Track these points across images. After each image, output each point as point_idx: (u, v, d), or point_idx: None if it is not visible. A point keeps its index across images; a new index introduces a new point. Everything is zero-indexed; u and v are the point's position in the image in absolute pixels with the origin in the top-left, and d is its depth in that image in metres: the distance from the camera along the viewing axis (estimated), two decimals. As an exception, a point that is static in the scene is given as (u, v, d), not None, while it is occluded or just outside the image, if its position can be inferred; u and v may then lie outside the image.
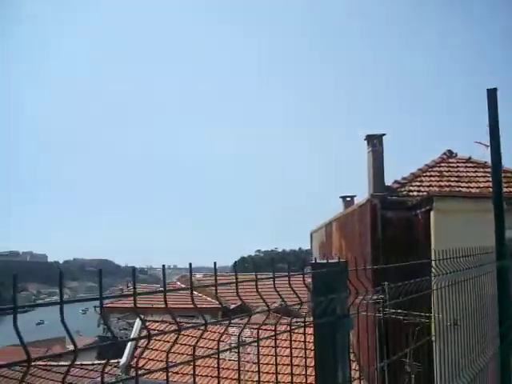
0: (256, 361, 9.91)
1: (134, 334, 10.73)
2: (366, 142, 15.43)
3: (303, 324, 2.08)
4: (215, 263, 1.89)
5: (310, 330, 2.04)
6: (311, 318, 2.09)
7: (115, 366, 13.95)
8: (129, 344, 10.39)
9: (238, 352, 1.91)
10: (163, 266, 1.74)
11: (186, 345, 10.39)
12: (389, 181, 15.41)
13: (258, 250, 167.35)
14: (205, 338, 10.73)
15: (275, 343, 1.84)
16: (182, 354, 10.07)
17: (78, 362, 15.33)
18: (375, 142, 14.83)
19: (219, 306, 22.53)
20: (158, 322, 11.22)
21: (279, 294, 1.87)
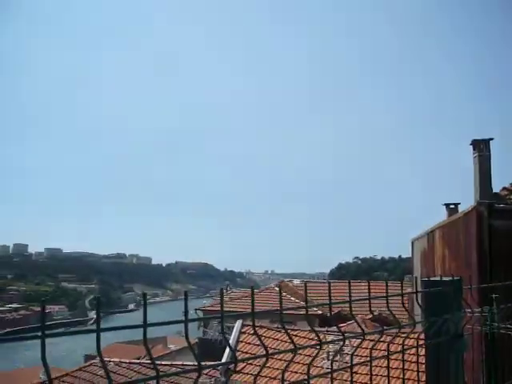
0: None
1: (232, 337, 10.92)
2: (471, 147, 14.77)
3: (416, 345, 2.00)
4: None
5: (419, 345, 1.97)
6: (421, 335, 2.00)
7: (214, 369, 14.30)
8: (228, 347, 10.57)
9: (351, 372, 1.88)
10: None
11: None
12: (497, 188, 14.66)
13: (357, 257, 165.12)
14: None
15: (388, 363, 1.78)
16: (280, 359, 10.13)
17: (180, 362, 15.87)
18: (482, 146, 14.15)
19: (316, 313, 22.45)
20: (257, 326, 11.34)
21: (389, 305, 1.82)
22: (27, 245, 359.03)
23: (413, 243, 24.93)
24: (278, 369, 9.92)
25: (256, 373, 9.91)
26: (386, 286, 1.96)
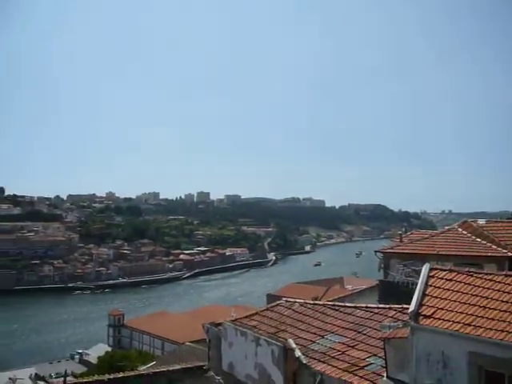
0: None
1: (420, 281, 10.52)
2: None
3: None
4: None
5: None
6: None
7: (399, 312, 14.07)
8: (417, 291, 10.21)
9: None
10: None
11: (479, 296, 9.81)
12: None
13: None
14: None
15: None
16: (474, 305, 9.55)
17: (363, 305, 15.87)
18: None
19: (506, 255, 20.94)
20: (445, 270, 10.80)
21: None
22: (209, 193, 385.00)
23: None
24: (471, 315, 9.38)
25: (447, 318, 9.48)
26: None
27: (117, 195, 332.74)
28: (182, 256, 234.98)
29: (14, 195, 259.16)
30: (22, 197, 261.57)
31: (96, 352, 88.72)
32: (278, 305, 17.17)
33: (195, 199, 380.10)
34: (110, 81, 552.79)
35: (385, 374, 10.78)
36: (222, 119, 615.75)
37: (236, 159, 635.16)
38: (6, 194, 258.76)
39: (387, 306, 15.17)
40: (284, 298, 17.95)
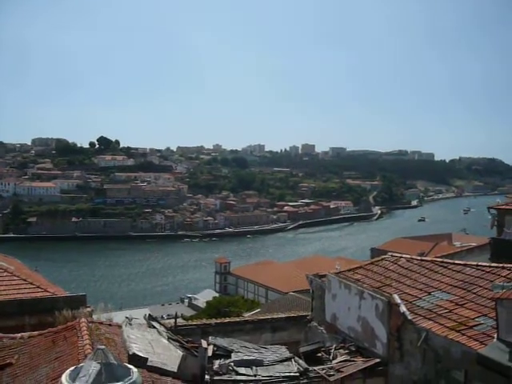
0: None
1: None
2: None
3: None
4: None
5: None
6: None
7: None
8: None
9: None
10: None
11: None
12: None
13: None
14: None
15: None
16: None
17: (474, 262, 15.17)
18: None
19: None
20: None
21: None
22: (314, 145, 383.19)
23: None
24: None
25: None
26: None
27: (223, 147, 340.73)
28: (286, 208, 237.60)
29: (128, 147, 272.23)
30: (136, 149, 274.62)
31: (204, 297, 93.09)
32: (382, 259, 16.87)
33: (300, 151, 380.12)
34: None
35: (495, 336, 10.31)
36: (335, 70, 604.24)
37: (342, 110, 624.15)
38: (121, 146, 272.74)
39: (500, 264, 14.39)
40: (389, 253, 17.60)
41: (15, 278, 17.65)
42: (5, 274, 17.70)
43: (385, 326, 12.94)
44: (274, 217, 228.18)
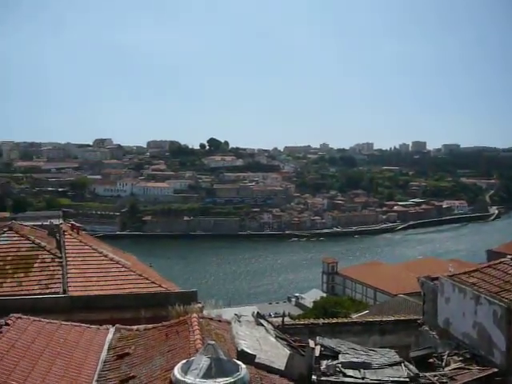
0: None
1: None
2: None
3: None
4: None
5: None
6: None
7: None
8: None
9: None
10: None
11: None
12: None
13: None
14: None
15: None
16: None
17: None
18: None
19: None
20: None
21: None
22: (425, 142, 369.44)
23: None
24: None
25: None
26: None
27: (330, 146, 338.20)
28: (395, 207, 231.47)
29: (237, 148, 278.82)
30: (244, 149, 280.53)
31: (311, 296, 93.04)
32: (501, 262, 15.88)
33: (410, 149, 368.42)
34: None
35: None
36: (450, 64, 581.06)
37: (455, 106, 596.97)
38: (230, 147, 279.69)
39: None
40: (508, 256, 16.53)
41: (132, 273, 18.63)
42: (123, 269, 18.74)
43: (503, 334, 12.21)
44: (383, 217, 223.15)
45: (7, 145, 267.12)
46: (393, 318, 18.06)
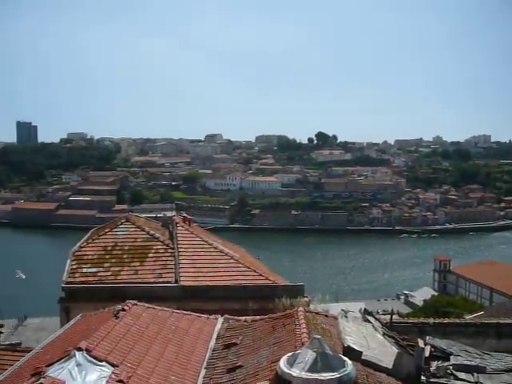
0: None
1: None
2: None
3: None
4: None
5: None
6: None
7: None
8: None
9: None
10: None
11: None
12: None
13: None
14: None
15: None
16: None
17: None
18: None
19: None
20: None
21: None
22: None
23: None
24: None
25: None
26: None
27: (444, 139, 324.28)
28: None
29: (346, 142, 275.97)
30: (353, 143, 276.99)
31: (421, 295, 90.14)
32: None
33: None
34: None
35: None
36: None
37: None
38: (338, 141, 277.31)
39: None
40: None
41: (240, 265, 19.02)
42: (231, 260, 19.19)
43: None
44: (501, 213, 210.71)
45: (125, 142, 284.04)
46: (511, 321, 17.00)
